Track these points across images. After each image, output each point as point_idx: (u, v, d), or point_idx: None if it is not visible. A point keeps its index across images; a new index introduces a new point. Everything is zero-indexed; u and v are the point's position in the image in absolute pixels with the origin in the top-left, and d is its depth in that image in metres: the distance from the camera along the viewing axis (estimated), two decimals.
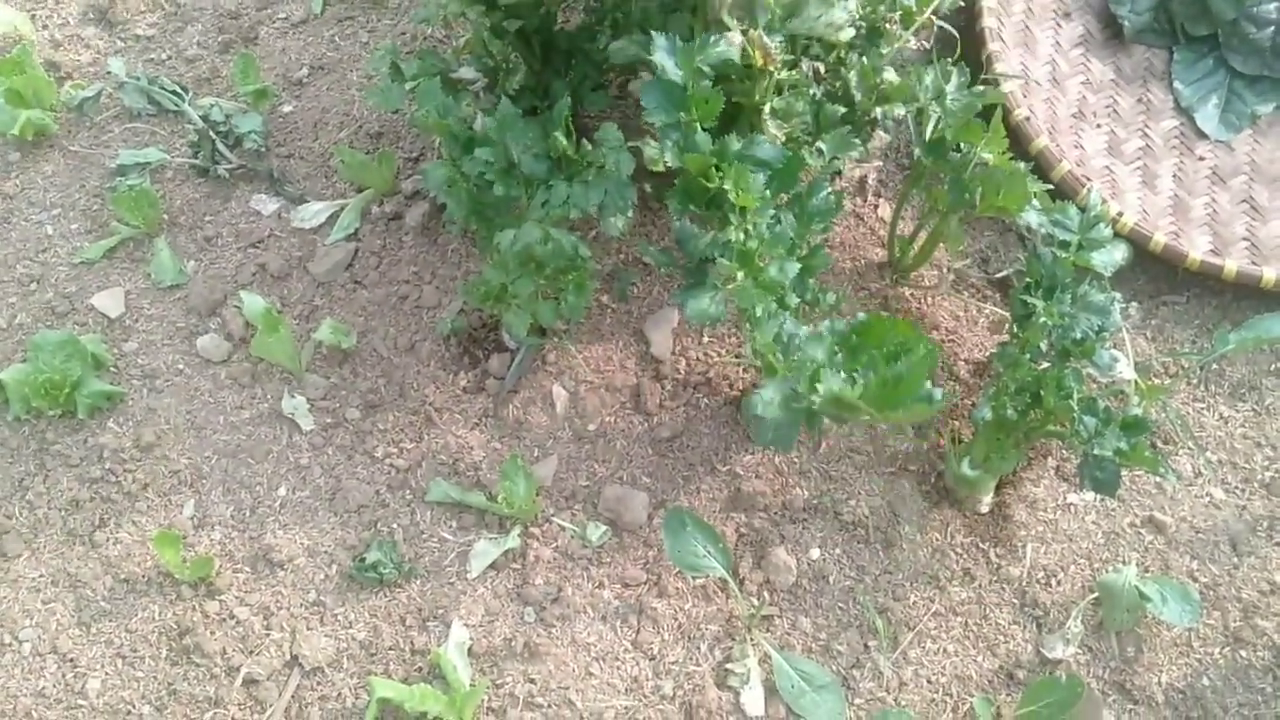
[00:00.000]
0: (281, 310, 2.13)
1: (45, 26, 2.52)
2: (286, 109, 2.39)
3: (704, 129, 1.65)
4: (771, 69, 1.70)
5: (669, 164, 1.66)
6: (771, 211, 1.70)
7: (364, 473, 1.98)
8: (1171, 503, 1.99)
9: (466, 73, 1.97)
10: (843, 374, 1.47)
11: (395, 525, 1.93)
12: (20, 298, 2.15)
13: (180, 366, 2.08)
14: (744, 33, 1.69)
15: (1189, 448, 2.04)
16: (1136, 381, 1.97)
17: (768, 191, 1.67)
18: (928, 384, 1.45)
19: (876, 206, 2.27)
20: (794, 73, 1.79)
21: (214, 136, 2.29)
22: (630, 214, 1.78)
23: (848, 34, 1.78)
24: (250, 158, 2.31)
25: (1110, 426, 1.71)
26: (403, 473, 1.97)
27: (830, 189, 1.77)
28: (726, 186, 1.63)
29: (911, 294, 2.14)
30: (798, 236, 1.75)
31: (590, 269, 1.86)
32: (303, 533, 1.93)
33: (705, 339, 2.09)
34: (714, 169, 1.66)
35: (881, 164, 2.32)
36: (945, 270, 2.15)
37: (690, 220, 1.78)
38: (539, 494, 1.94)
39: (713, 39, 1.65)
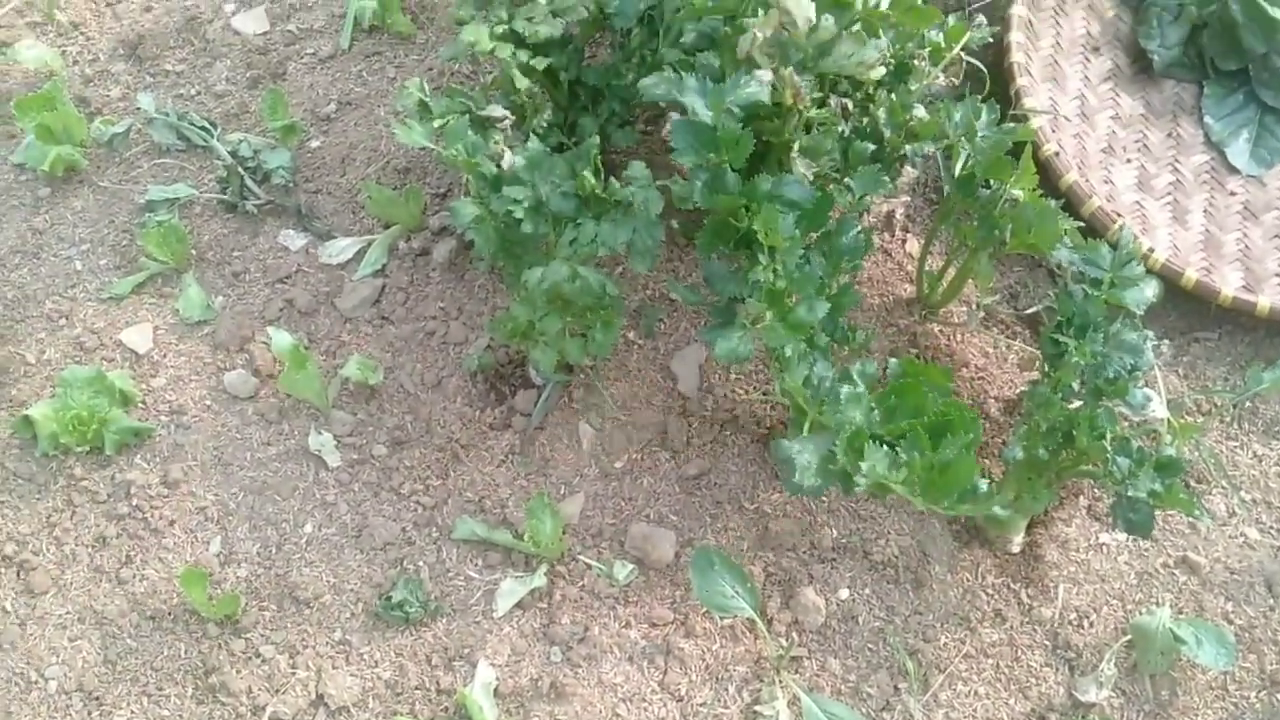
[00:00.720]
0: (309, 346, 2.13)
1: (76, 62, 2.54)
2: (314, 144, 2.40)
3: (733, 169, 1.65)
4: (801, 108, 1.70)
5: (698, 204, 1.66)
6: (801, 251, 1.69)
7: (390, 510, 1.97)
8: (1205, 543, 1.96)
9: (494, 110, 1.97)
10: (884, 449, 1.46)
11: (421, 563, 1.93)
12: (49, 333, 2.16)
13: (208, 403, 2.08)
14: (775, 71, 1.69)
15: (1223, 487, 2.01)
16: (1170, 420, 1.94)
17: (797, 231, 1.66)
18: (976, 476, 1.44)
19: (904, 241, 2.26)
20: (823, 110, 1.79)
21: (242, 172, 2.30)
22: (658, 252, 1.77)
23: (879, 72, 1.78)
24: (278, 193, 2.32)
25: (1144, 467, 1.69)
26: (429, 510, 1.97)
27: (859, 228, 1.76)
28: (755, 227, 1.62)
29: (940, 330, 2.13)
30: (827, 275, 1.74)
31: (619, 307, 1.85)
32: (329, 570, 1.92)
33: (733, 376, 2.08)
34: (743, 209, 1.65)
35: (909, 199, 2.31)
36: (974, 306, 2.14)
37: (719, 259, 1.77)
38: (565, 532, 1.93)
39: (743, 80, 1.64)
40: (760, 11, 1.70)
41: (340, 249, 2.23)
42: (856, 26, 1.77)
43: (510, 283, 1.90)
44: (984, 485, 1.48)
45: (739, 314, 1.70)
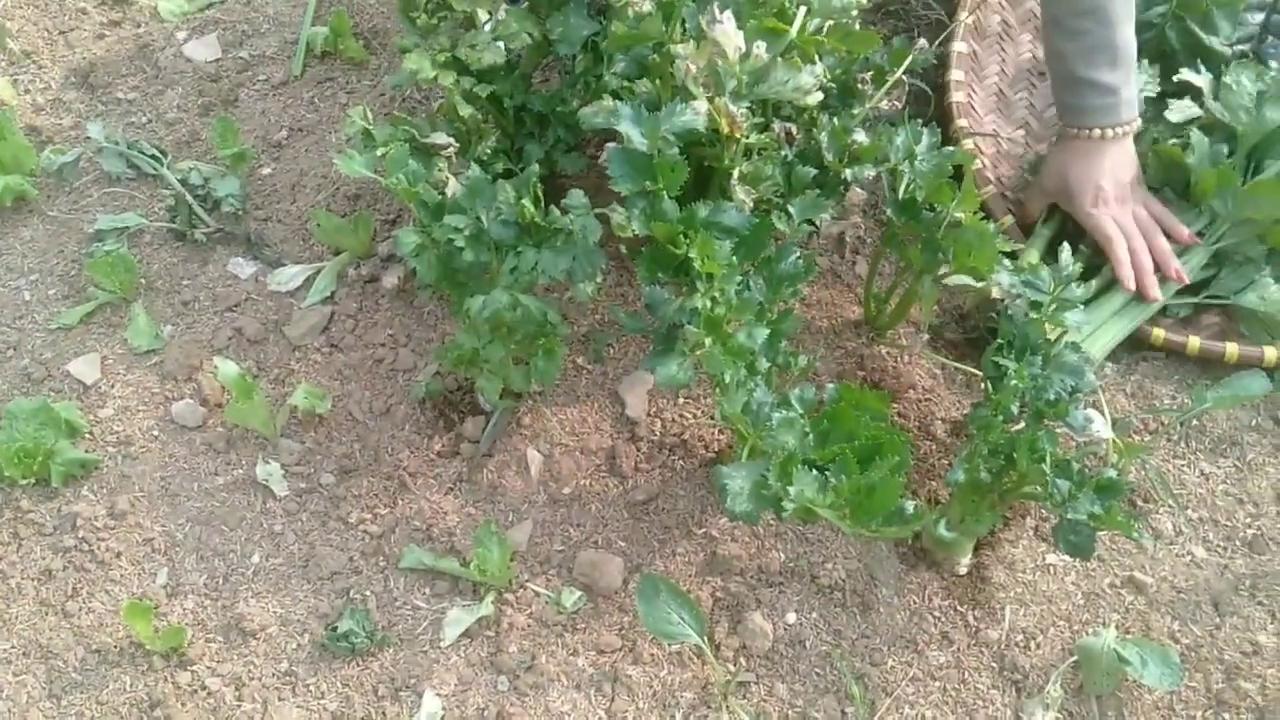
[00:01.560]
0: (257, 374, 2.12)
1: (28, 91, 2.54)
2: (265, 171, 2.40)
3: (670, 197, 1.66)
4: (739, 136, 1.70)
5: (636, 232, 1.67)
6: (739, 277, 1.69)
7: (337, 539, 1.97)
8: (1152, 562, 1.97)
9: (439, 137, 1.97)
10: (814, 472, 1.46)
11: (368, 592, 1.92)
12: None
13: (155, 433, 2.07)
14: (710, 100, 1.69)
15: (1169, 506, 2.02)
16: (1114, 440, 1.95)
17: (734, 258, 1.67)
18: (901, 500, 1.45)
19: (854, 264, 2.27)
20: (764, 136, 1.79)
21: (191, 200, 2.29)
22: (599, 279, 1.77)
23: (815, 98, 1.79)
24: (228, 221, 2.31)
25: (1084, 489, 1.69)
26: (376, 539, 1.96)
27: (799, 253, 1.77)
28: (692, 254, 1.62)
29: (888, 352, 2.14)
30: (767, 301, 1.75)
31: (561, 335, 1.85)
32: (275, 601, 1.91)
33: (681, 400, 2.08)
34: (681, 236, 1.66)
35: (860, 220, 2.32)
36: (921, 328, 2.14)
37: (659, 285, 1.77)
38: (513, 559, 1.93)
39: (679, 108, 1.65)
40: (692, 41, 1.71)
41: (289, 276, 2.23)
42: (792, 53, 1.78)
43: (455, 310, 1.90)
44: (910, 507, 1.48)
45: (679, 341, 1.70)
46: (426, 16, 1.99)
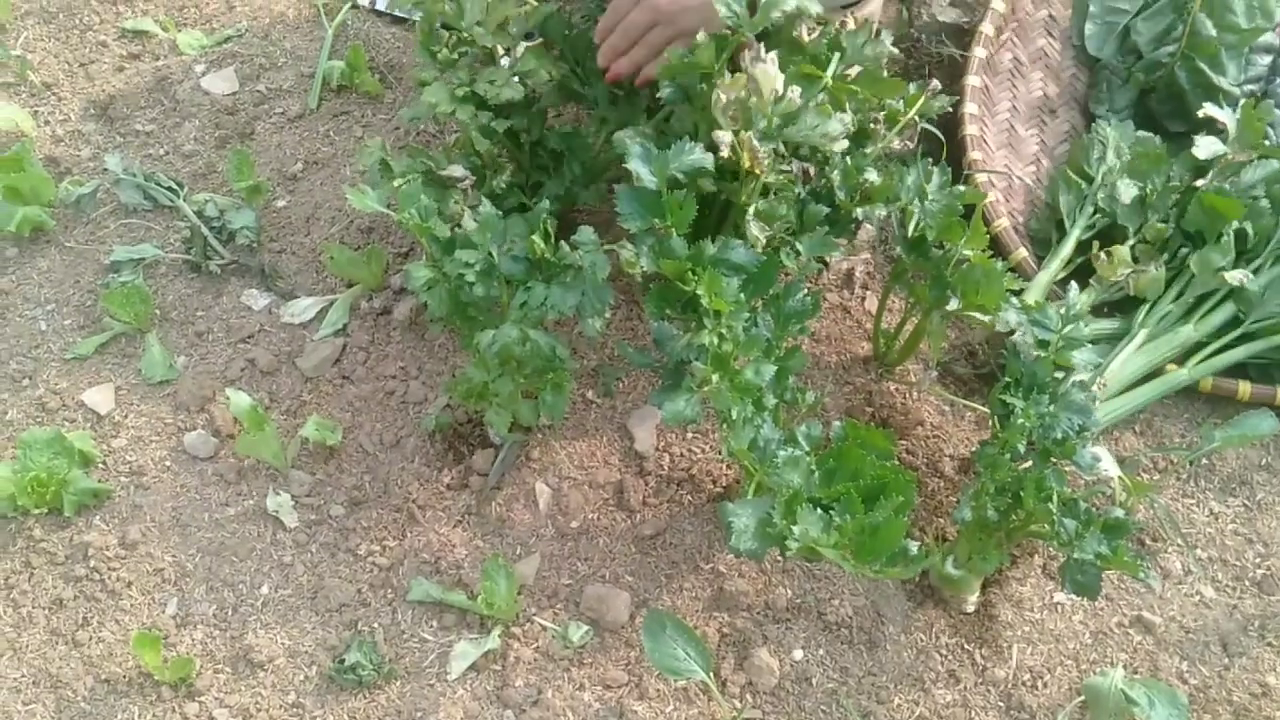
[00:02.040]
0: (269, 406, 2.14)
1: (47, 122, 2.57)
2: (280, 204, 2.42)
3: (679, 234, 1.67)
4: (758, 173, 1.71)
5: (644, 269, 1.68)
6: (747, 314, 1.70)
7: (346, 571, 1.97)
8: (1161, 602, 1.96)
9: (455, 170, 1.99)
10: (819, 510, 1.47)
11: (376, 625, 1.93)
12: (12, 394, 2.17)
13: (168, 463, 2.09)
14: (735, 133, 1.71)
15: (1178, 545, 2.02)
16: (1122, 479, 1.95)
17: (742, 295, 1.68)
18: (905, 541, 1.45)
19: (864, 299, 2.27)
20: (781, 176, 1.81)
21: (206, 232, 2.31)
22: (607, 315, 1.78)
23: (841, 145, 1.80)
24: (243, 253, 2.33)
25: (1091, 529, 1.70)
26: (385, 571, 1.97)
27: (807, 290, 1.78)
28: (700, 292, 1.63)
29: (896, 389, 2.14)
30: (775, 338, 1.76)
31: (569, 369, 1.86)
32: (284, 632, 1.92)
33: (689, 435, 2.09)
34: (690, 273, 1.67)
35: (869, 256, 2.33)
36: (930, 365, 2.15)
37: (668, 321, 1.78)
38: (521, 593, 1.93)
39: (687, 146, 1.67)
40: (729, 74, 1.73)
41: (302, 308, 2.24)
42: (822, 98, 1.79)
43: (466, 343, 1.91)
44: (914, 548, 1.49)
45: (686, 377, 1.71)
46: (447, 51, 2.01)
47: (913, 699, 1.86)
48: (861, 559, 1.44)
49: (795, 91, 1.74)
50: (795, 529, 1.45)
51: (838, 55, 1.87)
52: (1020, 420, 1.75)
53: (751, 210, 1.83)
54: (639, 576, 1.96)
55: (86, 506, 2.04)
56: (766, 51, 1.70)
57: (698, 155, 1.66)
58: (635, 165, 1.65)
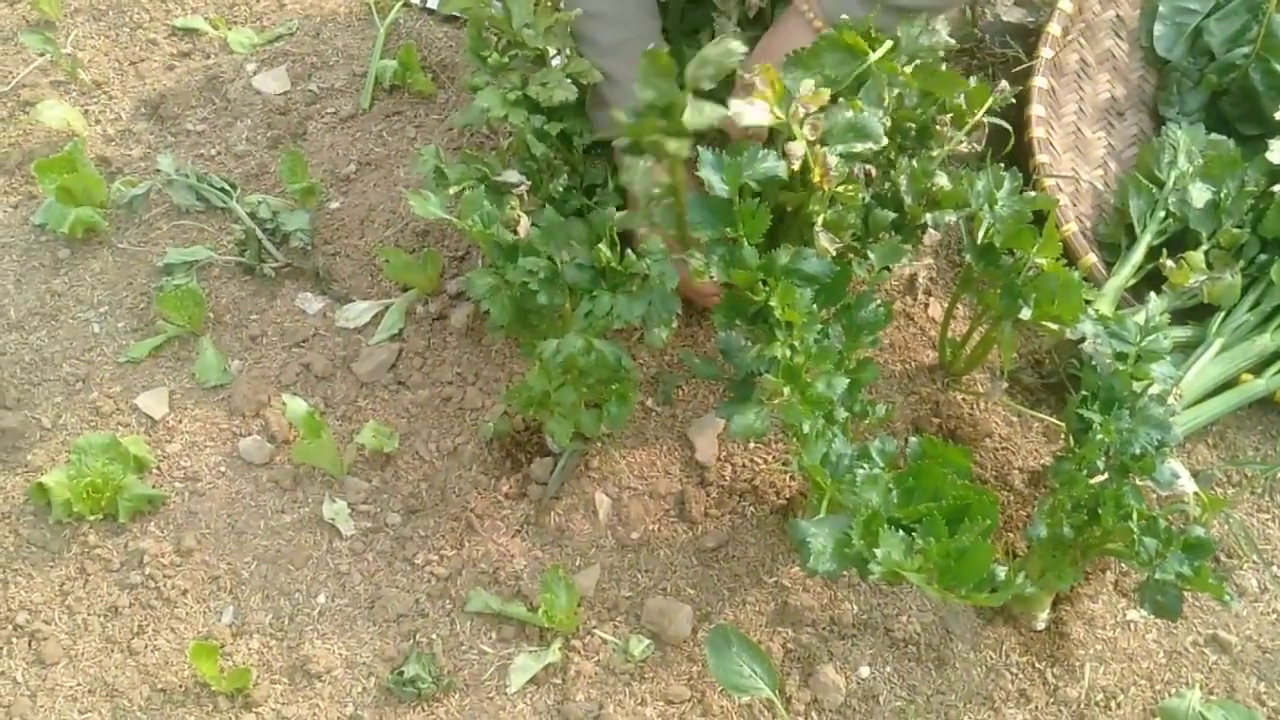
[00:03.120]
0: (325, 411, 2.11)
1: (98, 122, 2.55)
2: (333, 205, 2.40)
3: (751, 244, 1.63)
4: (826, 187, 1.67)
5: (714, 278, 1.64)
6: (819, 325, 1.66)
7: (404, 580, 1.95)
8: (1236, 620, 1.91)
9: (511, 176, 1.96)
10: (900, 532, 1.43)
11: (434, 636, 1.90)
12: (65, 397, 2.15)
13: (222, 469, 2.07)
14: (810, 145, 1.66)
15: (1254, 562, 1.97)
16: (1199, 494, 1.90)
17: (815, 306, 1.64)
18: (993, 565, 1.41)
19: (927, 306, 2.23)
20: (847, 186, 1.76)
21: (260, 234, 2.29)
22: (674, 325, 1.75)
23: (882, 141, 1.75)
24: (296, 255, 2.31)
25: (1171, 548, 1.65)
26: (443, 581, 1.94)
27: (879, 301, 1.73)
28: (773, 303, 1.60)
29: (964, 399, 2.10)
30: (846, 350, 1.71)
31: (634, 380, 1.82)
32: (341, 643, 1.90)
33: (751, 445, 2.05)
34: (760, 283, 1.63)
35: (932, 261, 2.28)
36: (998, 375, 2.10)
37: (736, 332, 1.75)
38: (580, 605, 1.90)
39: (760, 154, 1.62)
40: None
41: (358, 313, 2.22)
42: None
43: (527, 351, 1.88)
44: (1001, 572, 1.44)
45: (756, 389, 1.67)
46: (498, 55, 1.97)
47: (983, 718, 1.82)
48: (946, 584, 1.40)
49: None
50: (877, 551, 1.41)
51: (889, 44, 1.82)
52: (1099, 435, 1.70)
53: (820, 220, 1.79)
54: (701, 589, 1.93)
55: (141, 513, 2.02)
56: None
57: (771, 163, 1.62)
58: (707, 173, 1.61)
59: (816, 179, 1.66)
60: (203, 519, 2.02)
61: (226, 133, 2.52)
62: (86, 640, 1.91)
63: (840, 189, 1.75)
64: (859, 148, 1.71)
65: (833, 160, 1.68)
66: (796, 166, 1.65)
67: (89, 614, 1.93)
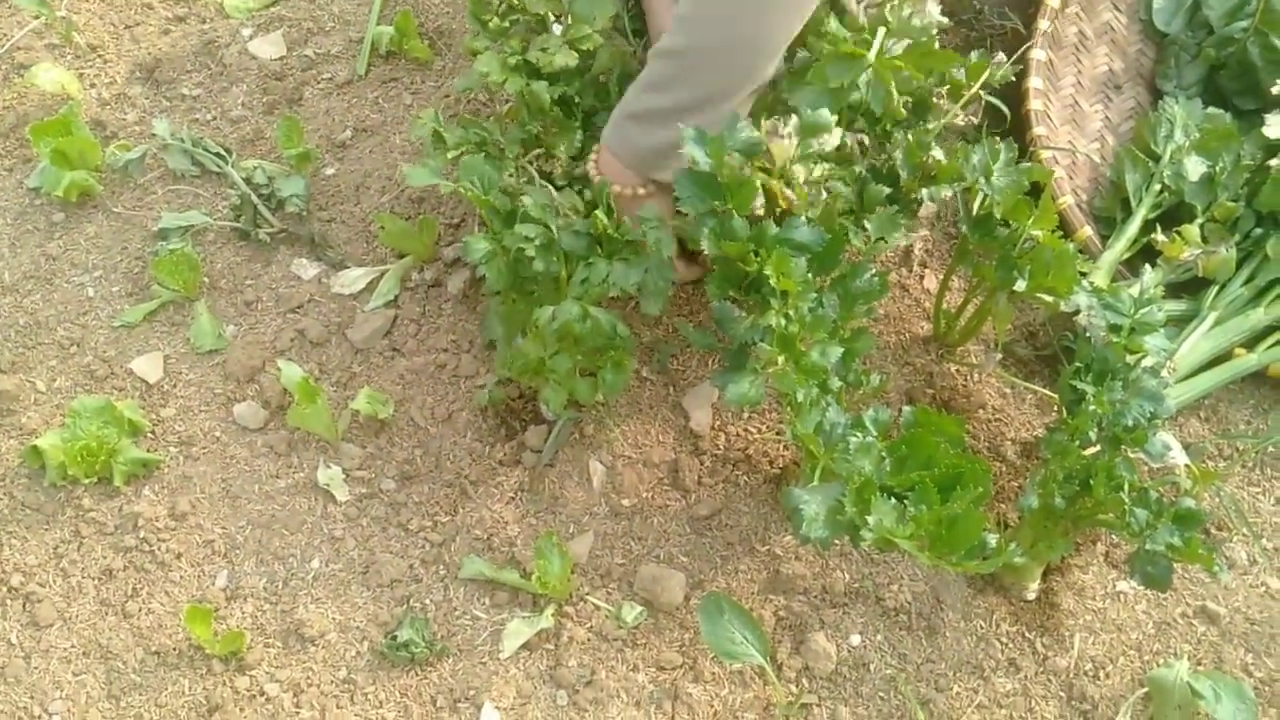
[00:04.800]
0: (319, 378, 2.12)
1: (93, 85, 2.54)
2: (329, 171, 2.39)
3: (740, 215, 1.63)
4: (795, 212, 1.69)
5: (707, 251, 1.64)
6: (813, 294, 1.67)
7: (397, 546, 1.96)
8: (1225, 592, 1.93)
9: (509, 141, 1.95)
10: (892, 500, 1.43)
11: (428, 601, 1.91)
12: (60, 360, 2.15)
13: (217, 434, 2.07)
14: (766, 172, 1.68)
15: (1244, 535, 1.98)
16: (1190, 467, 1.91)
17: (809, 275, 1.64)
18: (984, 532, 1.42)
19: (922, 278, 2.23)
20: (831, 168, 1.76)
21: (256, 200, 2.29)
22: (669, 293, 1.75)
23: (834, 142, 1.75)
24: (292, 221, 2.30)
25: (1162, 519, 1.66)
26: (436, 547, 1.95)
27: (874, 270, 1.74)
28: (766, 271, 1.60)
29: (957, 370, 2.10)
30: (841, 319, 1.72)
31: (630, 347, 1.83)
32: (335, 607, 1.90)
33: (745, 414, 2.05)
34: (752, 254, 1.63)
35: (928, 233, 2.28)
36: (992, 346, 2.11)
37: (729, 302, 1.75)
38: (574, 572, 1.91)
39: (740, 125, 1.62)
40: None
41: (353, 279, 2.21)
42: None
43: (522, 319, 1.88)
44: (993, 540, 1.45)
45: (750, 358, 1.67)
46: (498, 19, 1.97)
47: (972, 687, 1.83)
48: (938, 552, 1.41)
49: (793, 136, 1.69)
50: (869, 519, 1.41)
51: (883, 30, 1.82)
52: (1092, 407, 1.71)
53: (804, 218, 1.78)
54: (694, 557, 1.94)
55: (136, 476, 2.02)
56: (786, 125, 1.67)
57: (750, 134, 1.62)
58: (690, 148, 1.61)
59: (784, 206, 1.67)
60: (197, 483, 2.02)
61: (222, 98, 2.51)
62: (81, 603, 1.92)
63: (819, 173, 1.74)
64: (815, 146, 1.71)
65: (800, 173, 1.68)
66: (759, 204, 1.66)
67: (83, 577, 1.94)
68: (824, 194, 1.76)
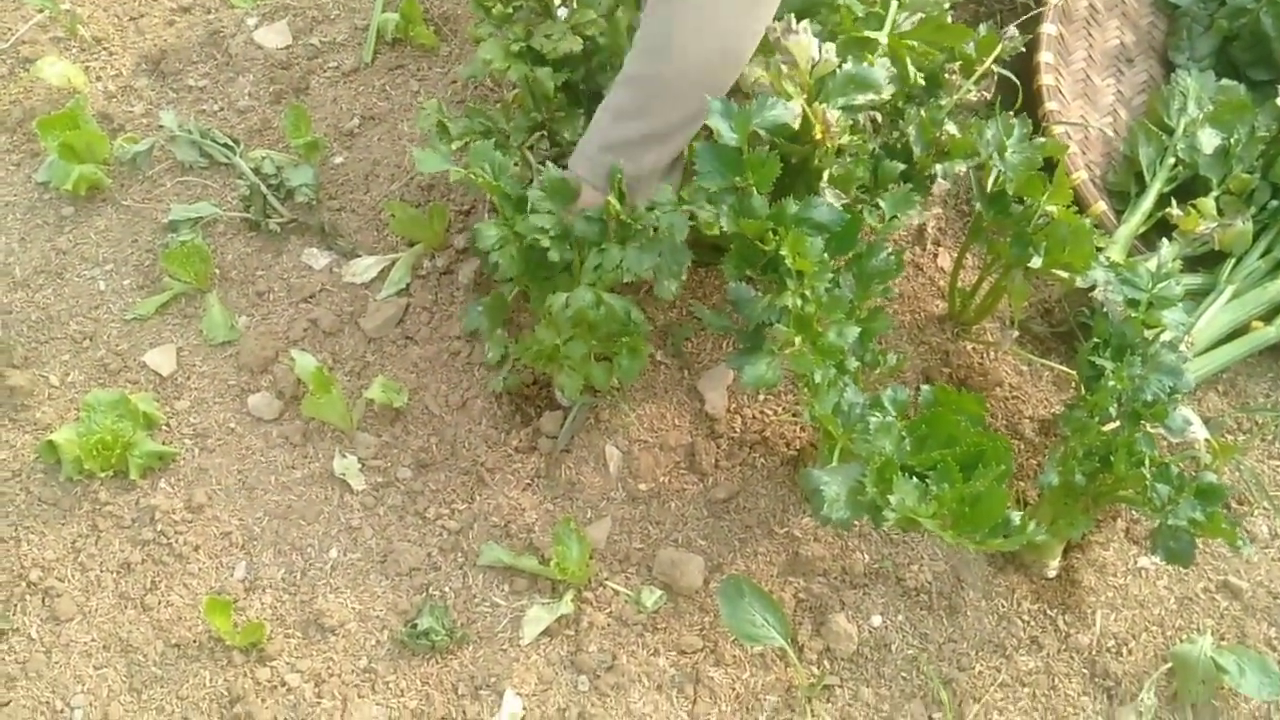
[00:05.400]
0: (333, 367, 2.11)
1: (99, 78, 2.53)
2: (338, 160, 2.38)
3: (761, 193, 1.62)
4: (829, 143, 1.66)
5: (724, 229, 1.63)
6: (830, 274, 1.65)
7: (415, 534, 1.95)
8: (1247, 567, 1.92)
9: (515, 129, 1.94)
10: (913, 479, 1.42)
11: (447, 589, 1.90)
12: (73, 355, 2.14)
13: (232, 425, 2.07)
14: (807, 103, 1.65)
15: (1264, 508, 1.97)
16: (1210, 441, 1.90)
17: (825, 255, 1.63)
18: (1007, 509, 1.41)
19: (936, 256, 2.22)
20: (854, 137, 1.75)
21: (265, 190, 2.28)
22: (684, 277, 1.74)
23: (890, 90, 1.74)
24: (302, 211, 2.29)
25: (1184, 494, 1.65)
26: (454, 535, 1.95)
27: (890, 249, 1.73)
28: (783, 252, 1.59)
29: (973, 348, 2.09)
30: (857, 299, 1.71)
31: (645, 333, 1.82)
32: (354, 597, 1.90)
33: (761, 396, 2.05)
34: (770, 232, 1.62)
35: (941, 211, 2.27)
36: (1008, 324, 2.09)
37: (746, 282, 1.74)
38: (592, 557, 1.90)
39: (769, 101, 1.61)
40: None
41: (364, 268, 2.21)
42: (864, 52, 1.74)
43: (535, 306, 1.87)
44: (1016, 518, 1.45)
45: (767, 339, 1.66)
46: (502, 6, 1.95)
47: (995, 666, 1.82)
48: (961, 530, 1.40)
49: (830, 51, 1.68)
50: (891, 499, 1.41)
51: (895, 4, 1.81)
52: (1111, 383, 1.70)
53: (826, 176, 1.78)
54: (712, 541, 1.93)
55: (152, 469, 2.02)
56: (799, 21, 1.66)
57: (780, 110, 1.60)
58: (716, 121, 1.60)
59: (818, 135, 1.65)
60: (213, 475, 2.02)
61: (229, 88, 2.50)
62: (100, 596, 1.92)
63: (846, 140, 1.74)
64: (860, 100, 1.71)
65: (833, 115, 1.67)
66: (796, 125, 1.64)
67: (102, 570, 1.94)
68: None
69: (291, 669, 1.84)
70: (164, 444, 2.03)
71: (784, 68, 1.66)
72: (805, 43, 1.66)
